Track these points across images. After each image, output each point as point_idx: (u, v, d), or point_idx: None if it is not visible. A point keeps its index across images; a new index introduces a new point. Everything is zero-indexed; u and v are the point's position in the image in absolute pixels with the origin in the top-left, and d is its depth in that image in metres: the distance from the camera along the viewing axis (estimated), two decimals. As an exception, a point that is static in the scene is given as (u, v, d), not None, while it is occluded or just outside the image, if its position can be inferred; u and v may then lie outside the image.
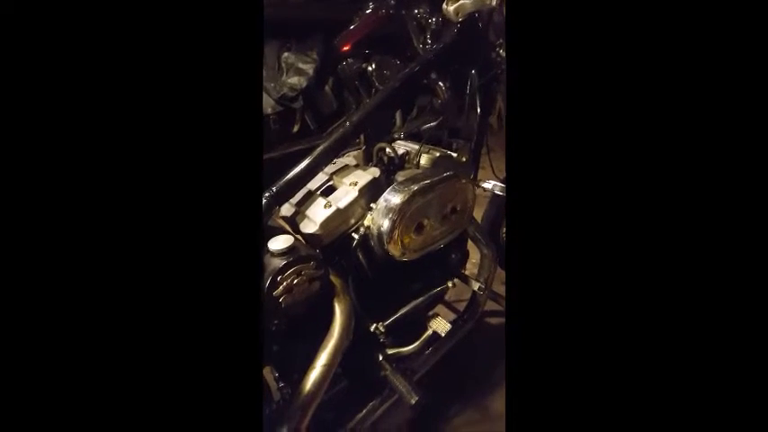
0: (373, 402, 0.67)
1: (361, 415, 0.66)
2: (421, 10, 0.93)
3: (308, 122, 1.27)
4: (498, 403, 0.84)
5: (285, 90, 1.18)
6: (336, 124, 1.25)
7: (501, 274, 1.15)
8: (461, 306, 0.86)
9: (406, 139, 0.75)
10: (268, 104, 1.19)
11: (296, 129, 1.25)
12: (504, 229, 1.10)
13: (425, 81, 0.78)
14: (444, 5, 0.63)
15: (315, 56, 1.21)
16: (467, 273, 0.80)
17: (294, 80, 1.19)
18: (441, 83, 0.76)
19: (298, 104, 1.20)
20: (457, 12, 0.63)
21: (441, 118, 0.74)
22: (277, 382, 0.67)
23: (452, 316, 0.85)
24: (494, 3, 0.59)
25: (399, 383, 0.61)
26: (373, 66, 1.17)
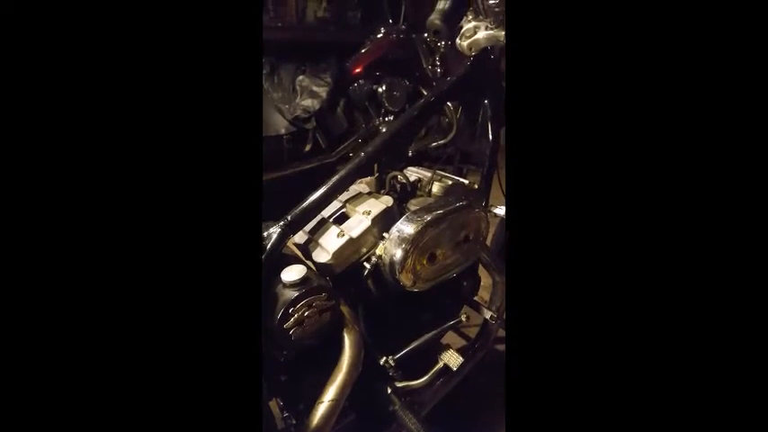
0: (381, 437, 0.65)
1: (368, 449, 0.64)
2: (430, 35, 0.94)
3: (320, 142, 1.30)
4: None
5: (299, 112, 1.20)
6: (347, 143, 1.27)
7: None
8: (471, 332, 0.84)
9: (417, 163, 0.76)
10: (282, 125, 1.22)
11: (308, 148, 1.27)
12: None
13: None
14: (458, 41, 0.65)
15: (328, 79, 1.24)
16: (478, 299, 0.79)
17: (308, 102, 1.22)
18: (449, 102, 0.77)
19: (310, 125, 1.23)
20: (470, 47, 0.64)
21: (449, 136, 0.74)
22: (282, 412, 0.66)
23: (463, 342, 0.83)
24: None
25: (408, 421, 0.59)
26: (383, 87, 1.20)
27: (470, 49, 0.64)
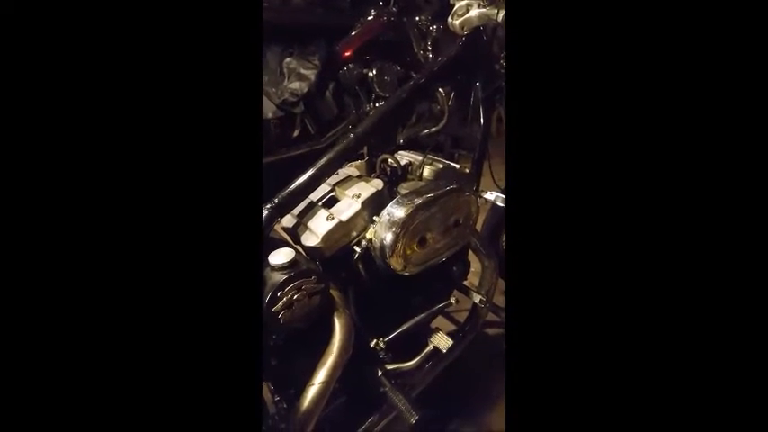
0: (372, 418, 0.66)
1: (359, 431, 0.65)
2: (422, 17, 0.92)
3: (309, 127, 1.27)
4: (498, 419, 0.83)
5: (286, 95, 1.17)
6: (337, 129, 1.24)
7: (500, 283, 1.15)
8: (461, 316, 0.85)
9: (408, 149, 0.75)
10: (269, 109, 1.19)
11: (296, 133, 1.25)
12: (504, 238, 1.10)
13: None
14: (450, 19, 0.63)
15: (317, 61, 1.21)
16: (467, 283, 0.79)
17: (296, 85, 1.19)
18: (440, 89, 0.76)
19: (298, 109, 1.20)
20: (462, 26, 0.62)
21: (440, 124, 0.73)
22: (273, 396, 0.66)
23: (452, 327, 0.84)
24: (498, 18, 0.59)
25: (399, 401, 0.60)
26: (374, 72, 1.17)
27: (462, 28, 0.63)
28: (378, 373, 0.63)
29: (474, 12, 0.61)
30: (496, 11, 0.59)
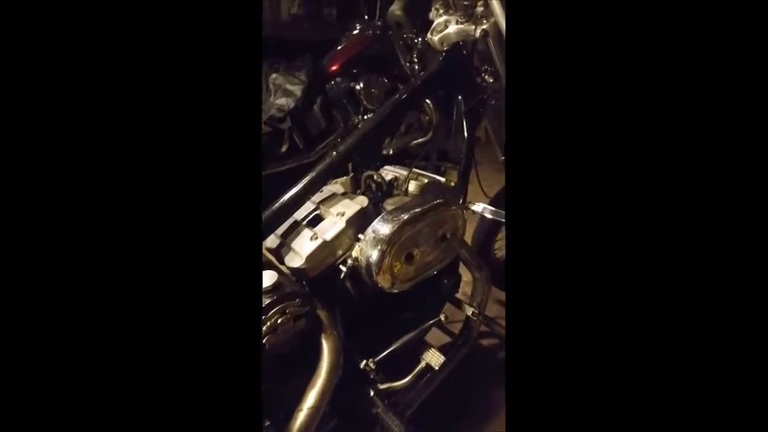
0: (365, 440, 0.64)
1: (352, 454, 0.63)
2: (407, 29, 0.93)
3: (297, 142, 1.27)
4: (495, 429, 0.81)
5: (273, 111, 1.17)
6: (326, 143, 1.24)
7: (495, 292, 1.15)
8: (455, 327, 0.84)
9: (394, 162, 0.75)
10: (255, 125, 1.19)
11: (284, 148, 1.24)
12: (496, 247, 1.09)
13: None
14: (429, 35, 0.64)
15: (303, 77, 1.22)
16: (459, 296, 0.79)
17: (282, 101, 1.19)
18: (428, 100, 0.76)
19: (285, 125, 1.20)
20: (441, 42, 0.63)
21: (429, 135, 0.74)
22: (262, 421, 0.64)
23: (446, 339, 0.83)
24: (477, 34, 0.60)
25: (391, 422, 0.58)
26: (361, 85, 1.18)
27: (442, 44, 0.63)
28: (370, 394, 0.62)
29: (452, 28, 0.62)
30: (474, 27, 0.59)
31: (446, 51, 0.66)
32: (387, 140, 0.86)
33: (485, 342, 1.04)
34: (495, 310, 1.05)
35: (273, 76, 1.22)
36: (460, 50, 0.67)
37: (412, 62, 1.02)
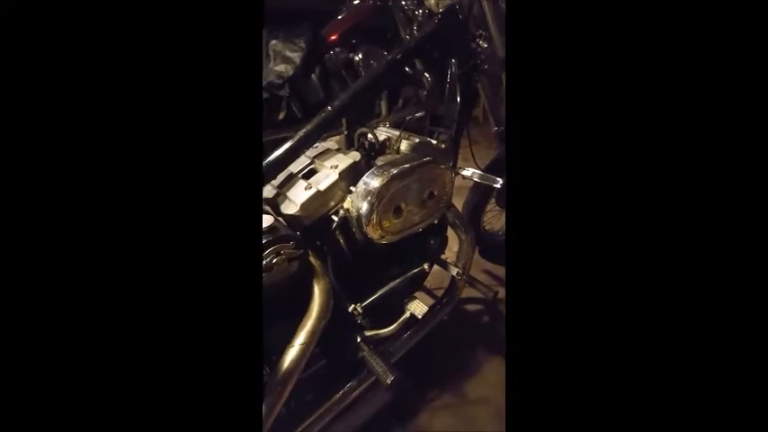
0: (350, 383, 0.69)
1: (338, 395, 0.68)
2: (408, 1, 0.93)
3: (295, 110, 1.27)
4: (475, 389, 0.87)
5: (272, 77, 1.18)
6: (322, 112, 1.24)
7: (482, 263, 1.19)
8: (441, 293, 0.88)
9: (387, 126, 0.76)
10: (253, 91, 1.19)
11: (281, 116, 1.25)
12: (485, 220, 1.13)
13: (411, 72, 0.79)
14: None
15: (302, 44, 1.21)
16: (446, 259, 0.82)
17: (281, 68, 1.19)
18: (427, 74, 0.77)
19: (284, 92, 1.20)
20: (437, 3, 0.64)
21: (426, 109, 0.75)
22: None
23: (432, 302, 0.87)
24: None
25: (376, 364, 0.62)
26: (360, 55, 1.18)
27: (437, 5, 0.64)
28: (357, 339, 0.66)
29: (448, -11, 0.62)
30: None
31: (442, 13, 0.67)
32: (384, 113, 0.87)
33: (470, 307, 1.09)
34: (481, 278, 1.09)
35: (273, 42, 1.22)
36: (456, 14, 0.68)
37: (412, 34, 1.03)
